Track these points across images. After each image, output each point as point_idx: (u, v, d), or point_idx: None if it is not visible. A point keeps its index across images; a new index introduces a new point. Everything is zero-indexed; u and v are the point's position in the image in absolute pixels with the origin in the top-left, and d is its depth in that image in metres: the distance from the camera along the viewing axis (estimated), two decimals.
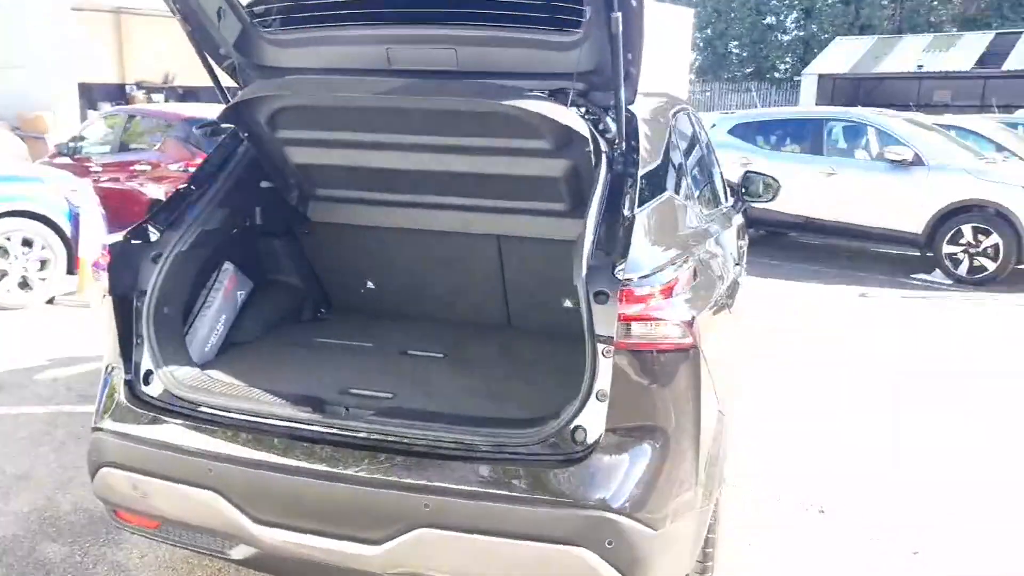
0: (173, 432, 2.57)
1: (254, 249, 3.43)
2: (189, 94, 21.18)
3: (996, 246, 8.59)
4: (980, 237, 8.69)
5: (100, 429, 2.69)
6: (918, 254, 9.54)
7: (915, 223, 9.05)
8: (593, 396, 2.32)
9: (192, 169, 8.28)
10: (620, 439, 2.31)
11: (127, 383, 2.71)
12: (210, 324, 3.11)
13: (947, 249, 8.89)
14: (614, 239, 2.47)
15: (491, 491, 2.29)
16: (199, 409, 2.61)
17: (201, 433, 2.55)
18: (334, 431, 2.47)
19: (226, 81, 3.12)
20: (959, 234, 8.81)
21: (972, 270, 8.78)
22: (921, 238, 9.06)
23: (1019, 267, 8.70)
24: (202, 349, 3.06)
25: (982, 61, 25.95)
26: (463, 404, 2.69)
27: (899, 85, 28.70)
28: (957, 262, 8.85)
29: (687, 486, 2.41)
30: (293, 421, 2.52)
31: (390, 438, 2.43)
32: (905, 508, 3.79)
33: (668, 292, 2.33)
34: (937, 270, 9.08)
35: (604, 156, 2.69)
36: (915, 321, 7.33)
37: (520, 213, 3.29)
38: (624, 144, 2.74)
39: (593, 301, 2.33)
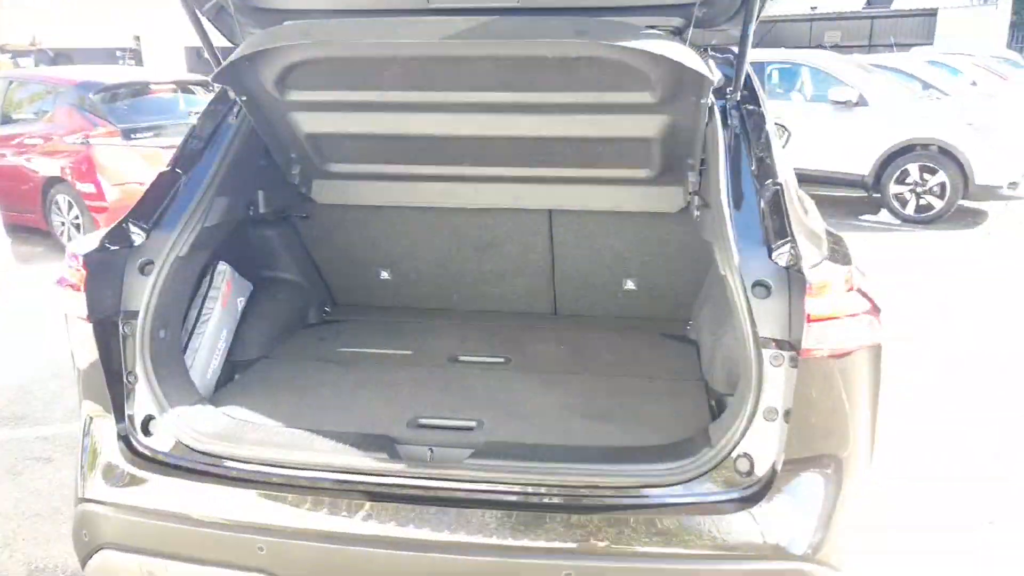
0: (200, 500, 1.95)
1: (247, 242, 2.77)
2: (61, 56, 19.29)
3: (942, 184, 8.57)
4: (926, 176, 8.66)
5: (90, 500, 2.04)
6: (864, 195, 9.47)
7: (862, 164, 8.95)
8: (760, 415, 1.85)
9: (93, 140, 7.37)
10: (796, 465, 1.86)
11: (122, 437, 2.07)
12: (210, 343, 2.46)
13: (894, 189, 8.83)
14: (757, 216, 2.00)
15: (646, 549, 1.80)
16: (231, 466, 2.00)
17: (241, 499, 1.94)
18: (424, 483, 1.92)
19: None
20: (905, 173, 8.76)
21: (919, 209, 8.76)
22: (868, 179, 8.97)
23: (964, 203, 8.73)
24: (204, 376, 2.42)
25: (870, 1, 26.54)
26: (572, 430, 2.17)
27: (792, 27, 29.08)
28: (904, 202, 8.81)
29: (858, 507, 2.00)
30: (367, 474, 1.94)
31: (501, 487, 1.89)
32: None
33: (850, 281, 1.87)
34: (884, 210, 9.04)
35: (717, 111, 2.21)
36: (888, 263, 7.21)
37: (585, 183, 2.75)
38: (738, 94, 2.26)
39: (751, 295, 1.85)
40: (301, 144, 2.70)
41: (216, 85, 2.43)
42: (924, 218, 8.73)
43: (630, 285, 3.01)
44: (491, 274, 3.07)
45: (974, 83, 13.66)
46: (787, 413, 1.83)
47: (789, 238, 1.88)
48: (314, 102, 2.49)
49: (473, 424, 2.20)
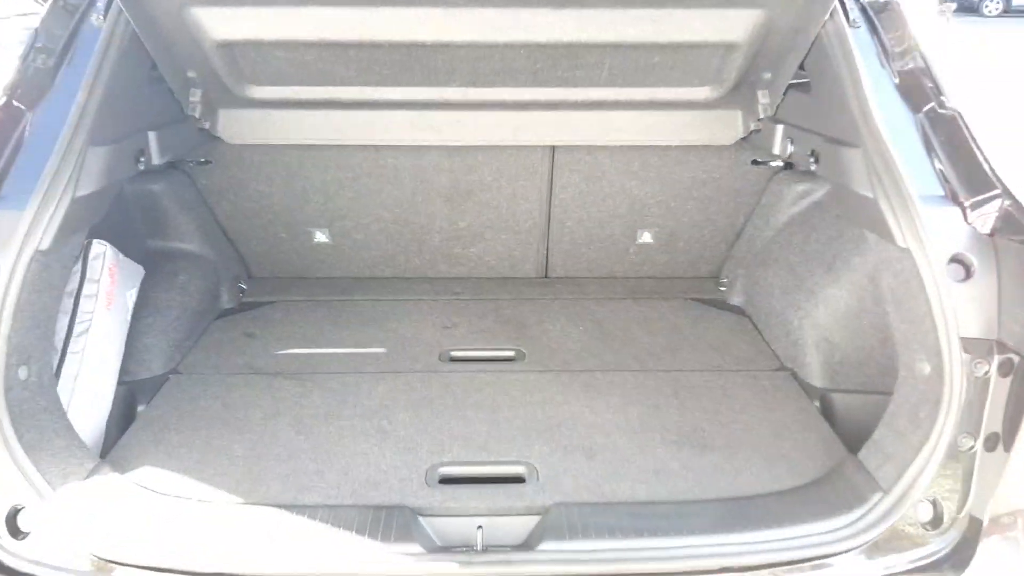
0: None
1: (123, 202, 1.93)
2: None
3: None
4: None
5: None
6: None
7: None
8: (951, 443, 1.33)
9: None
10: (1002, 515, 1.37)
11: None
12: (94, 364, 1.66)
13: None
14: (925, 157, 1.46)
15: None
16: None
17: None
18: None
19: None
20: None
21: None
22: None
23: None
24: (89, 417, 1.63)
25: None
26: (664, 470, 1.55)
27: None
28: None
29: None
30: None
31: None
32: None
33: None
34: None
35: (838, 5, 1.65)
36: None
37: (615, 108, 2.06)
38: None
39: (949, 277, 1.33)
40: (206, 58, 1.82)
41: None
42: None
43: (646, 238, 2.39)
44: (466, 231, 2.35)
45: None
46: (990, 440, 1.32)
47: (998, 191, 1.34)
48: None
49: (521, 470, 1.55)
